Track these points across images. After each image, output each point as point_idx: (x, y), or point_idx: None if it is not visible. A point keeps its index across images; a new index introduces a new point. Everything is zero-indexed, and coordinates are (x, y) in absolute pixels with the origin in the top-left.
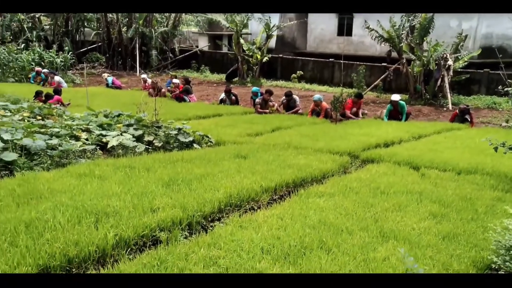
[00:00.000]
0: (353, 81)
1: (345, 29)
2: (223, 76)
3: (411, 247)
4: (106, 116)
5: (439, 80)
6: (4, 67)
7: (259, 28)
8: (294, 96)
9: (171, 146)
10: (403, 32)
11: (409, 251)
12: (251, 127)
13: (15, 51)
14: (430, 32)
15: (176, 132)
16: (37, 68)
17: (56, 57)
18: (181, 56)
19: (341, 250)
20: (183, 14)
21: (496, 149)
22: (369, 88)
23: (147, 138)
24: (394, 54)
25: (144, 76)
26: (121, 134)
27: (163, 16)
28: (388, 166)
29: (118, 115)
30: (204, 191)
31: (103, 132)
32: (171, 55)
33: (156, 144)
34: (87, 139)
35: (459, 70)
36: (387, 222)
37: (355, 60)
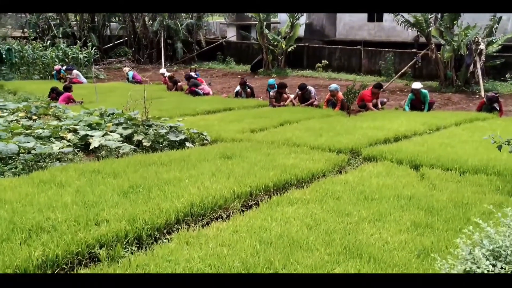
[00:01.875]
0: (381, 69)
1: (375, 15)
2: (248, 67)
3: (374, 267)
4: (101, 114)
5: (471, 66)
6: (30, 65)
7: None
8: (309, 87)
9: (161, 145)
10: (431, 16)
11: (371, 271)
12: (257, 121)
13: (40, 49)
14: (461, 15)
15: (167, 131)
16: (56, 67)
17: (79, 53)
18: (206, 47)
19: (289, 272)
20: None
21: (500, 147)
22: (396, 76)
23: (136, 137)
24: (422, 39)
25: (163, 70)
26: (109, 134)
27: None
28: (386, 165)
29: (113, 113)
30: (162, 200)
31: (90, 132)
32: (196, 47)
33: (144, 143)
34: (69, 141)
35: (494, 54)
36: (358, 235)
37: (387, 47)
